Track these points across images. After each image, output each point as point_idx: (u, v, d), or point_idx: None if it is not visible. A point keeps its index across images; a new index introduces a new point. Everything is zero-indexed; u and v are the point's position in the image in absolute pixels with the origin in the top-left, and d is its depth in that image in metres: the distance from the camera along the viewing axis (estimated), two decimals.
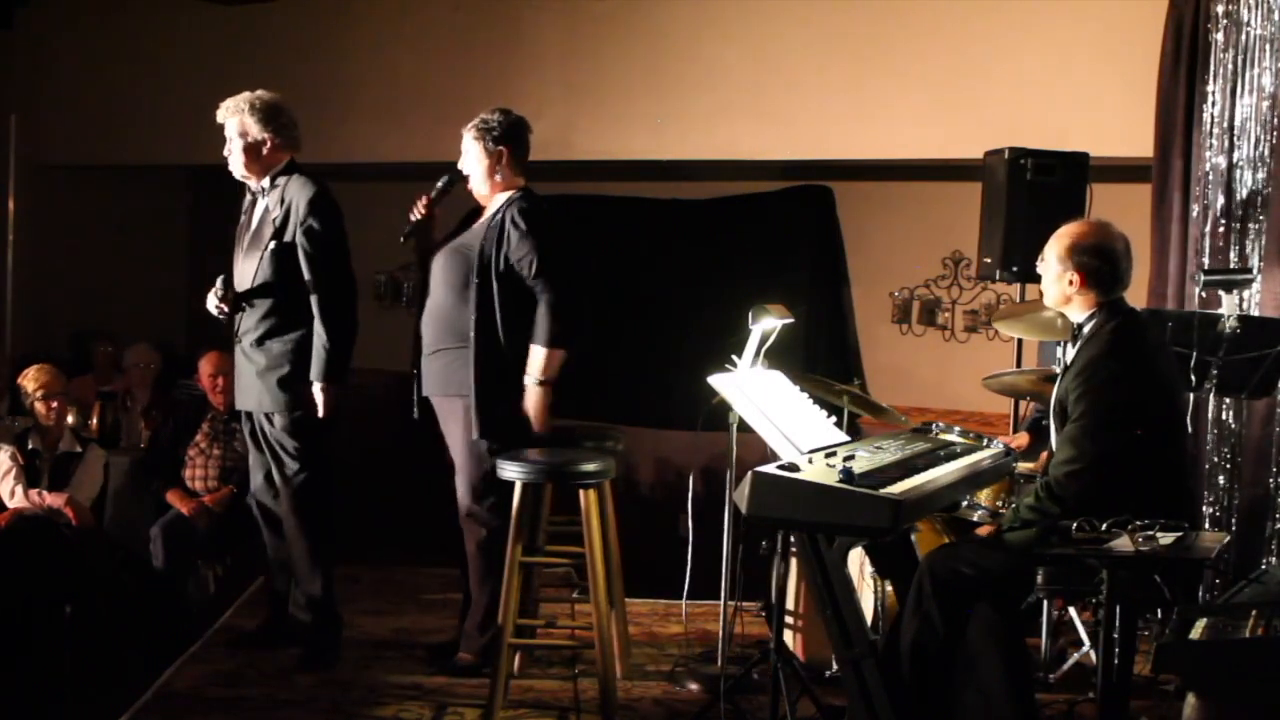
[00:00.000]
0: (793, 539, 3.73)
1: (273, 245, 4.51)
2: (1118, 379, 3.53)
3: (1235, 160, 5.17)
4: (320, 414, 4.55)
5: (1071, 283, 3.66)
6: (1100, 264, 3.63)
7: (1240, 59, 5.16)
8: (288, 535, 4.69)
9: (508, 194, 4.51)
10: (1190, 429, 5.20)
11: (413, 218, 4.60)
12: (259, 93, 4.58)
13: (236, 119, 4.54)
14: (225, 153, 4.58)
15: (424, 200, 4.61)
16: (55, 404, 5.45)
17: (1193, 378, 4.53)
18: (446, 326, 4.44)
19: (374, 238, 5.36)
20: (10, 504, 5.24)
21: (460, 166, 4.59)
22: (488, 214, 4.53)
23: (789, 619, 4.57)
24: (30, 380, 5.46)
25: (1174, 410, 3.78)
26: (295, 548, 4.66)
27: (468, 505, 4.48)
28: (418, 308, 4.63)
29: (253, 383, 4.60)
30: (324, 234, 4.50)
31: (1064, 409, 3.62)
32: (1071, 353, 3.72)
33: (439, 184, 4.62)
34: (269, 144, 4.55)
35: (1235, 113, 5.17)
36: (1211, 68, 5.23)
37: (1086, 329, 3.67)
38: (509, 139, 4.53)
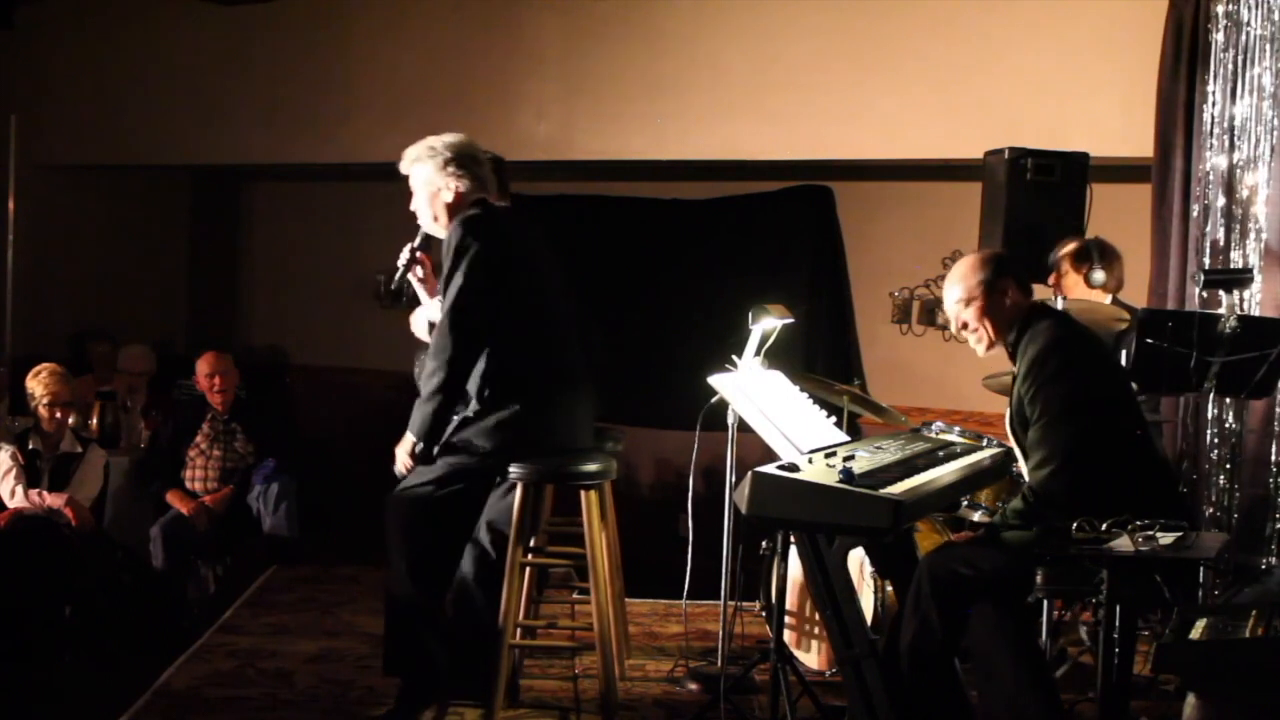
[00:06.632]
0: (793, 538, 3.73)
1: None
2: (1066, 366, 3.52)
3: (1235, 160, 5.17)
4: None
5: (1009, 297, 3.62)
6: (1010, 270, 3.64)
7: (1240, 59, 5.16)
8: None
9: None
10: (1190, 429, 5.21)
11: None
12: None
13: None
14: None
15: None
16: (59, 413, 5.45)
17: (1193, 378, 4.53)
18: None
19: (374, 238, 5.35)
20: (10, 504, 5.24)
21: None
22: None
23: (810, 628, 4.59)
24: (40, 384, 5.44)
25: (1129, 392, 3.78)
26: None
27: None
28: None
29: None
30: None
31: (1024, 418, 3.59)
32: (1016, 364, 3.67)
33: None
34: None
35: (1235, 113, 5.17)
36: (1211, 68, 5.22)
37: (1025, 338, 3.63)
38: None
